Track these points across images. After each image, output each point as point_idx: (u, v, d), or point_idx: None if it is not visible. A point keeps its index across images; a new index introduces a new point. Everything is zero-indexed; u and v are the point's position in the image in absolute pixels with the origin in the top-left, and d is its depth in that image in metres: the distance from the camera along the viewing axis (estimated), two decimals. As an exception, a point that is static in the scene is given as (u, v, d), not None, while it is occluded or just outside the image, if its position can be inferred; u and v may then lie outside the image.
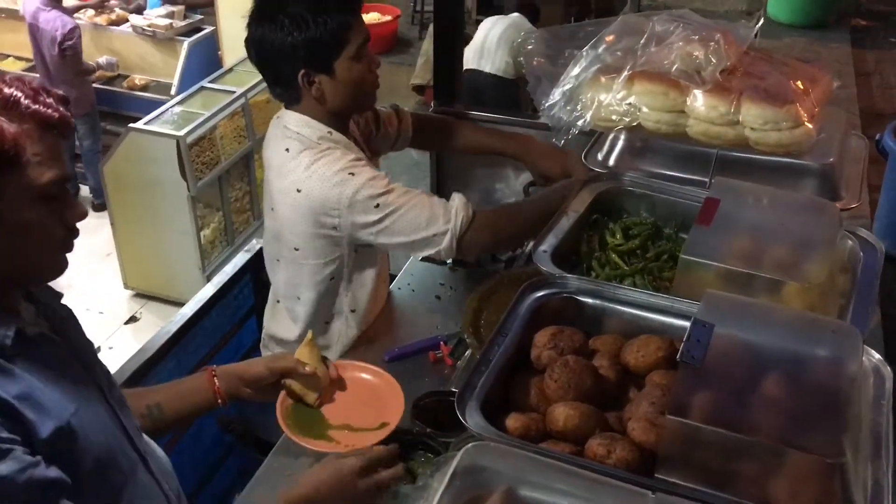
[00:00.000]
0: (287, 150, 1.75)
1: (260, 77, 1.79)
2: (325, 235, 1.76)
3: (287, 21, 1.66)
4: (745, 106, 1.69)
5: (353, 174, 1.71)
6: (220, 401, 1.47)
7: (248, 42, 1.72)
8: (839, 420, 1.17)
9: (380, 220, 1.72)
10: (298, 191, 1.72)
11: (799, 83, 1.72)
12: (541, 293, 1.52)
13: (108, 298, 4.49)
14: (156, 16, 5.83)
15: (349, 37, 1.69)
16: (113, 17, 5.82)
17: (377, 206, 1.71)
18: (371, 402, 1.53)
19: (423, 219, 1.73)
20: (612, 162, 1.93)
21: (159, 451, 1.28)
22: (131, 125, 4.13)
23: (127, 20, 5.83)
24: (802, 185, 1.79)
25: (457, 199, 1.79)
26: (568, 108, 1.78)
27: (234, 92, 4.43)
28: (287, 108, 1.80)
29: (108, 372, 1.21)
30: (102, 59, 5.52)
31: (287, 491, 1.27)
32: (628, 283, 1.68)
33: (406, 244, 1.75)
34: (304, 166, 1.72)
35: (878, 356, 1.35)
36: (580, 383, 1.34)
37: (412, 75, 5.58)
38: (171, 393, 1.45)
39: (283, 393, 1.52)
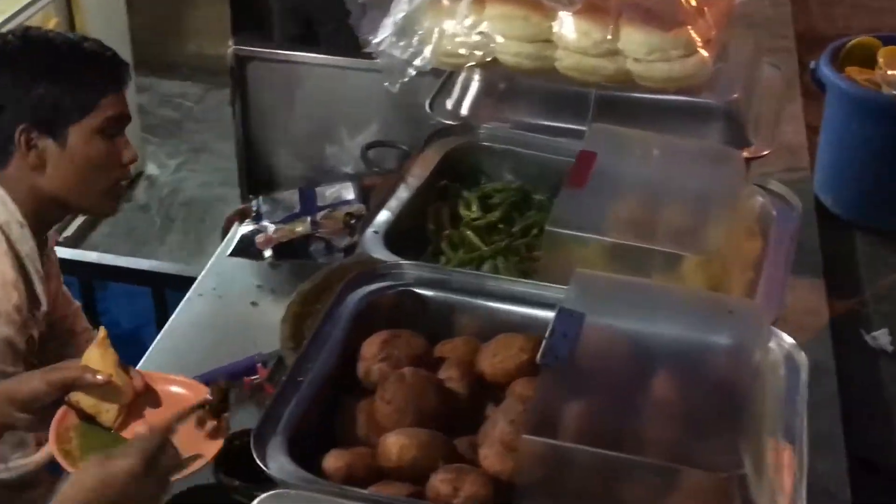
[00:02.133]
0: None
1: None
2: None
3: (29, 56, 1.70)
4: (624, 31, 1.76)
5: None
6: None
7: None
8: (736, 424, 1.24)
9: None
10: None
11: (691, 0, 1.80)
12: (369, 288, 1.53)
13: None
14: None
15: (100, 102, 1.72)
16: None
17: None
18: (187, 426, 1.47)
19: None
20: (464, 111, 1.96)
21: None
22: None
23: None
24: (701, 129, 1.87)
25: None
26: (402, 43, 1.81)
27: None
28: None
29: None
30: None
31: None
32: (489, 267, 1.72)
33: None
34: None
35: (790, 340, 1.44)
36: (420, 403, 1.36)
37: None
38: None
39: (62, 409, 1.45)
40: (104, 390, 1.47)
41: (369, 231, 1.67)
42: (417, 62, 1.78)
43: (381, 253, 1.62)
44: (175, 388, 1.56)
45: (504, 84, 1.96)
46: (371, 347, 1.45)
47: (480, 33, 1.79)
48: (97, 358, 1.50)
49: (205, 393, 1.50)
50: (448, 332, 1.54)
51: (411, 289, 1.56)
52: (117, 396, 1.49)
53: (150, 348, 2.00)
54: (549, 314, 1.46)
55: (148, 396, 1.53)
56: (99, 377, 1.46)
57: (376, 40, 1.81)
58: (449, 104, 1.99)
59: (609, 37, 1.76)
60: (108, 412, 1.48)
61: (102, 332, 1.54)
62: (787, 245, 1.67)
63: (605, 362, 1.33)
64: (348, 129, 2.45)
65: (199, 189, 4.40)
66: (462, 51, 1.79)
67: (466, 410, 1.41)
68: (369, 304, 1.52)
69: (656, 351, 1.35)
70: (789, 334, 1.46)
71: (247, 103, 2.50)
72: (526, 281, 1.58)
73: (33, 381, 1.47)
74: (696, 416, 1.28)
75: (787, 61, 3.00)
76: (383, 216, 1.71)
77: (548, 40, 1.80)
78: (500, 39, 1.79)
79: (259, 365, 1.92)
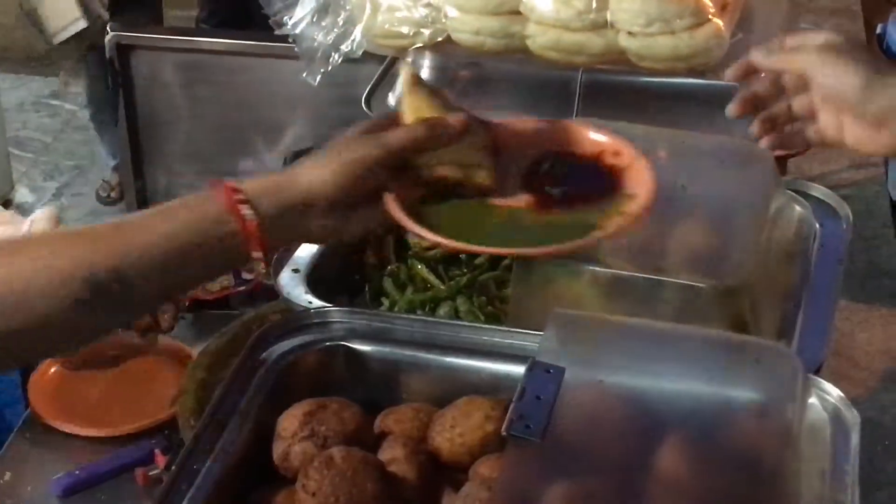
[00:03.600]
0: None
1: None
2: None
3: None
4: (614, -3, 1.77)
5: None
6: (252, 250, 1.29)
7: None
8: (766, 505, 1.25)
9: None
10: None
11: (700, -49, 1.82)
12: (286, 345, 1.54)
13: None
14: None
15: None
16: None
17: None
18: None
19: None
20: (412, 106, 1.97)
21: None
22: None
23: None
24: (719, 122, 1.87)
25: None
26: (324, 22, 1.82)
27: None
28: None
29: None
30: None
31: None
32: (447, 311, 1.73)
33: None
34: None
35: (836, 393, 1.44)
36: (355, 494, 1.36)
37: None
38: (144, 240, 1.26)
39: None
40: (461, 148, 1.39)
41: (287, 270, 1.67)
42: (345, 46, 1.79)
43: (302, 297, 1.63)
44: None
45: (462, 71, 1.97)
46: (290, 423, 1.45)
47: (427, 5, 1.79)
48: (422, 103, 1.42)
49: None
50: (392, 398, 1.55)
51: (343, 343, 1.56)
52: (478, 151, 1.42)
53: (14, 432, 2.00)
54: (521, 369, 1.48)
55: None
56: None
57: (292, 20, 1.82)
58: (391, 99, 2.00)
59: (595, 5, 1.77)
60: (480, 172, 1.41)
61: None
62: (834, 268, 1.68)
63: (593, 431, 1.34)
64: (267, 134, 2.47)
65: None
66: (404, 29, 1.80)
67: (416, 501, 1.42)
68: (287, 365, 1.53)
69: (661, 413, 1.35)
70: (850, 384, 1.47)
71: (132, 106, 2.51)
72: (494, 327, 1.59)
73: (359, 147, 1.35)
74: (714, 498, 1.28)
75: (848, 25, 3.04)
76: (306, 249, 1.71)
77: (516, 11, 1.80)
78: (453, 13, 1.80)
79: (157, 451, 1.93)
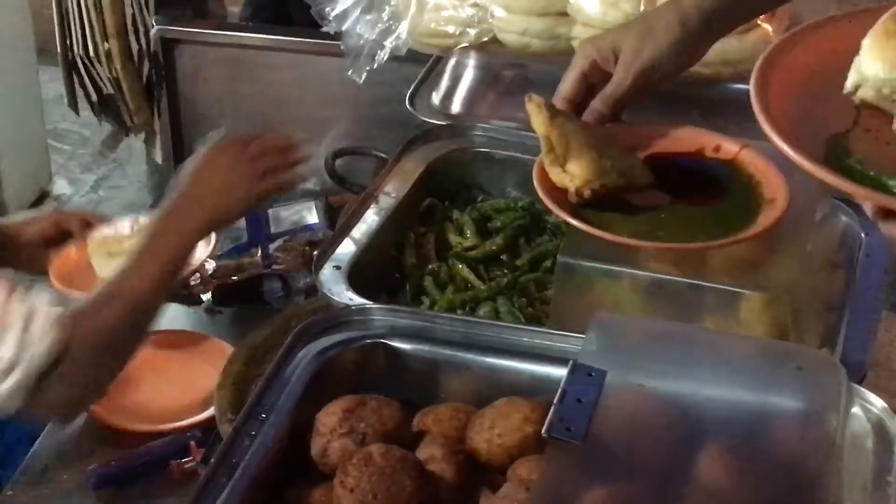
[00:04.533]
0: None
1: None
2: None
3: None
4: None
5: None
6: None
7: None
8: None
9: None
10: None
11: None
12: (326, 341, 1.54)
13: None
14: None
15: None
16: None
17: None
18: None
19: None
20: (456, 107, 1.99)
21: None
22: None
23: None
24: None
25: (41, 315, 1.66)
26: (369, 16, 1.82)
27: None
28: None
29: None
30: None
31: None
32: (487, 311, 1.72)
33: None
34: None
35: (880, 403, 1.43)
36: (393, 491, 1.36)
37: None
38: None
39: None
40: None
41: (328, 266, 1.66)
42: (390, 42, 1.79)
43: (343, 294, 1.62)
44: None
45: (507, 71, 1.96)
46: (329, 419, 1.45)
47: (474, 4, 1.79)
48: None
49: None
50: (431, 397, 1.55)
51: (383, 340, 1.56)
52: None
53: (47, 428, 2.01)
54: (563, 371, 1.48)
55: None
56: None
57: (335, 12, 1.82)
58: (435, 98, 2.00)
59: (643, 7, 1.76)
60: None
61: None
62: (879, 278, 1.67)
63: (634, 435, 1.33)
64: (309, 132, 2.43)
65: (123, 213, 4.42)
66: (450, 28, 1.80)
67: (454, 500, 1.41)
68: (327, 361, 1.52)
69: (702, 420, 1.34)
70: (890, 396, 1.45)
71: (176, 100, 2.52)
72: (535, 328, 1.58)
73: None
74: (756, 505, 1.28)
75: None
76: (347, 246, 1.70)
77: (563, 13, 1.81)
78: (500, 13, 1.80)
79: (193, 444, 1.94)
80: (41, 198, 4.35)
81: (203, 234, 1.81)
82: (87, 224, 2.08)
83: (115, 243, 2.07)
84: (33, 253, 2.02)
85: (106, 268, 2.00)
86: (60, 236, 2.05)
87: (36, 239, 2.02)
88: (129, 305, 1.65)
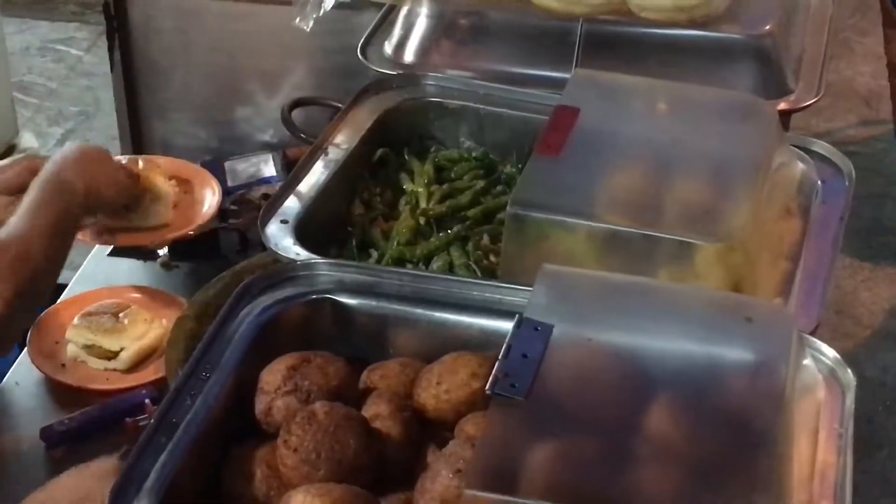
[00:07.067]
0: None
1: None
2: None
3: None
4: (616, -57, 1.74)
5: None
6: None
7: None
8: (757, 467, 1.23)
9: None
10: None
11: None
12: (271, 297, 1.52)
13: None
14: None
15: None
16: None
17: None
18: None
19: None
20: (408, 56, 1.98)
21: None
22: None
23: None
24: (722, 74, 1.86)
25: None
26: (315, -39, 1.80)
27: None
28: None
29: None
30: None
31: None
32: (439, 264, 1.71)
33: None
34: None
35: (832, 353, 1.42)
36: (338, 450, 1.34)
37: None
38: None
39: None
40: None
41: (275, 221, 1.65)
42: (339, -12, 1.78)
43: (290, 249, 1.61)
44: None
45: (461, 19, 1.94)
46: (273, 377, 1.43)
47: (426, -52, 1.77)
48: None
49: None
50: (378, 353, 1.53)
51: (328, 296, 1.55)
52: None
53: (4, 379, 2.00)
54: (510, 325, 1.46)
55: None
56: None
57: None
58: (388, 47, 1.98)
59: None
60: None
61: None
62: (835, 227, 1.66)
63: (582, 390, 1.32)
64: (264, 83, 2.45)
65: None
66: (402, -27, 1.78)
67: (400, 458, 1.40)
68: (272, 318, 1.51)
69: (652, 373, 1.34)
70: (852, 343, 1.45)
71: (130, 51, 2.49)
72: (484, 282, 1.57)
73: None
74: (704, 459, 1.27)
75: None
76: (295, 200, 1.69)
77: (516, -43, 1.78)
78: (451, -41, 1.78)
79: (147, 401, 1.92)
80: (7, 151, 4.30)
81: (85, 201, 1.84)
82: None
83: None
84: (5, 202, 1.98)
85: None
86: None
87: (11, 187, 1.99)
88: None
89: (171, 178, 2.14)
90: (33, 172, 1.90)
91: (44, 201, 1.75)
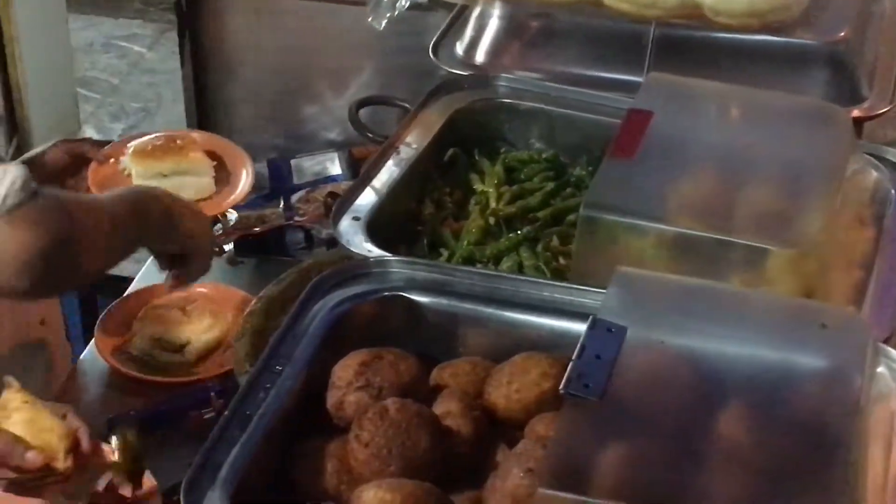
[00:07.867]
0: None
1: None
2: None
3: None
4: (692, -51, 1.74)
5: None
6: None
7: None
8: (830, 475, 1.22)
9: None
10: None
11: None
12: (343, 293, 1.53)
13: None
14: None
15: None
16: None
17: None
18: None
19: None
20: (480, 57, 1.98)
21: None
22: None
23: None
24: (795, 80, 1.85)
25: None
26: (389, -36, 1.81)
27: None
28: None
29: None
30: None
31: None
32: (509, 265, 1.71)
33: None
34: None
35: (908, 361, 1.41)
36: (409, 446, 1.35)
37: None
38: None
39: None
40: None
41: (347, 217, 1.66)
42: (414, -10, 1.78)
43: (361, 246, 1.62)
44: None
45: (532, 21, 1.94)
46: (345, 372, 1.44)
47: (500, -48, 1.78)
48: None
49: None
50: (449, 351, 1.54)
51: (400, 293, 1.55)
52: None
53: (73, 370, 2.02)
54: (583, 327, 1.46)
55: None
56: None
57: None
58: (459, 48, 1.98)
59: (669, -43, 1.74)
60: None
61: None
62: (910, 234, 1.65)
63: (654, 393, 1.32)
64: (333, 82, 2.46)
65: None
66: (476, -24, 1.78)
67: (470, 456, 1.41)
68: (344, 314, 1.51)
69: (724, 378, 1.33)
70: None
71: (200, 49, 2.50)
72: (555, 283, 1.57)
73: None
74: (776, 465, 1.26)
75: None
76: (367, 197, 1.70)
77: (590, -38, 1.78)
78: (526, -37, 1.78)
79: (212, 395, 1.94)
80: (70, 145, 4.35)
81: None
82: (97, 143, 2.12)
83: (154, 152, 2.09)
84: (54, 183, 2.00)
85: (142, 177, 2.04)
86: (75, 162, 2.06)
87: (56, 168, 2.02)
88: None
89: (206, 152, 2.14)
90: (68, 154, 1.97)
91: (135, 211, 1.71)
